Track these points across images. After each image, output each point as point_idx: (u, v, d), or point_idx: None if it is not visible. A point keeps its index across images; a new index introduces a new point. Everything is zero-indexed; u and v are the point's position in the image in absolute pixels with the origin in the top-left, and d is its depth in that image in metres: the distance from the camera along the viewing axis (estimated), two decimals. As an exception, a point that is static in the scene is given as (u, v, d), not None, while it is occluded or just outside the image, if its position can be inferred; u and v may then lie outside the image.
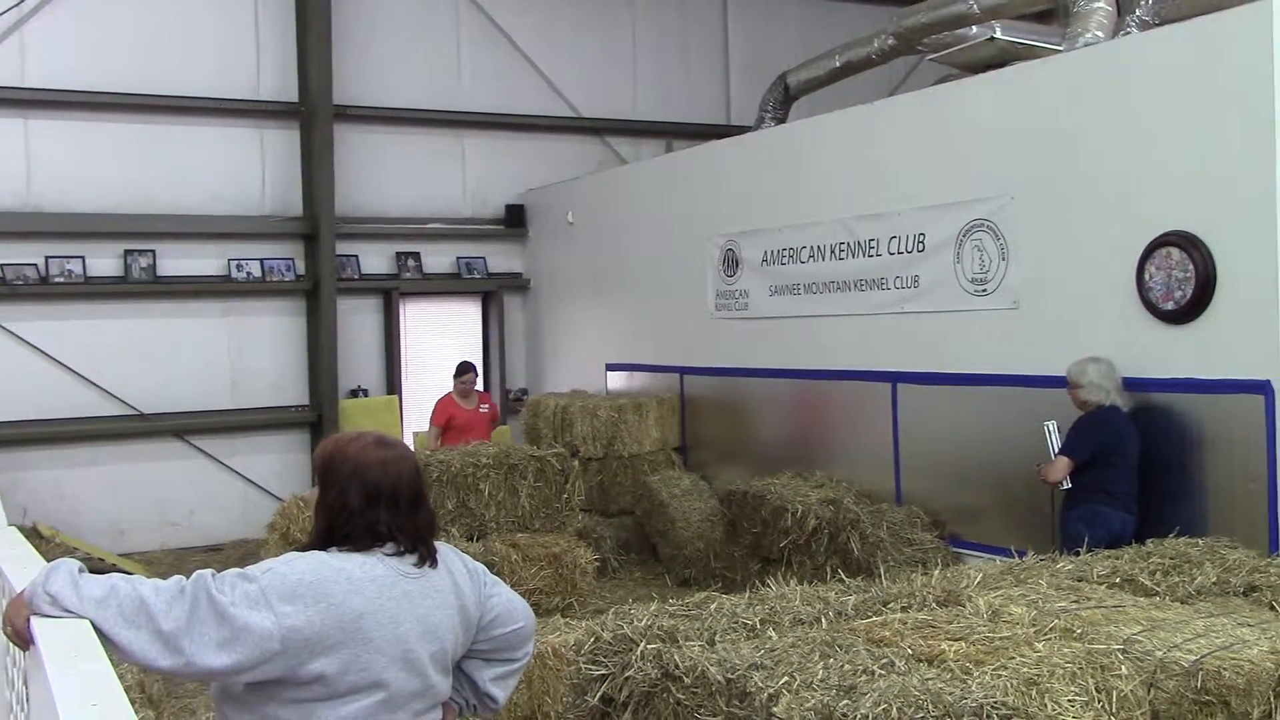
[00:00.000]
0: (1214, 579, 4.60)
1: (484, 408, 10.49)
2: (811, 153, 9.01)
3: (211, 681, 2.63)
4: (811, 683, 3.43)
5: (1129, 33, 7.81)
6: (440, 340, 13.28)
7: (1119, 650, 3.70)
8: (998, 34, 8.15)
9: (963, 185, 7.62)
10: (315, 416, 12.17)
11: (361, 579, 2.63)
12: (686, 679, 3.74)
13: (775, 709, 3.34)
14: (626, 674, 3.99)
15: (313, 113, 11.89)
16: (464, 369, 10.41)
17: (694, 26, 14.16)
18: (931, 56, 9.18)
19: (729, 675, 3.60)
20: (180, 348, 11.66)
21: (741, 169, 9.85)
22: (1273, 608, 4.23)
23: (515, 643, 2.99)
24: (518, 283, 13.40)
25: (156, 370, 11.53)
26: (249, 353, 12.04)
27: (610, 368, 11.70)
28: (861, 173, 8.52)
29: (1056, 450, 6.46)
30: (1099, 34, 7.72)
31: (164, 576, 2.54)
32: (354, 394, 12.48)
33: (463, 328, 13.41)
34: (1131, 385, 6.47)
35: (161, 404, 11.58)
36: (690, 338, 10.48)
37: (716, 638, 4.02)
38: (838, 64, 11.25)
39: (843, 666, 3.54)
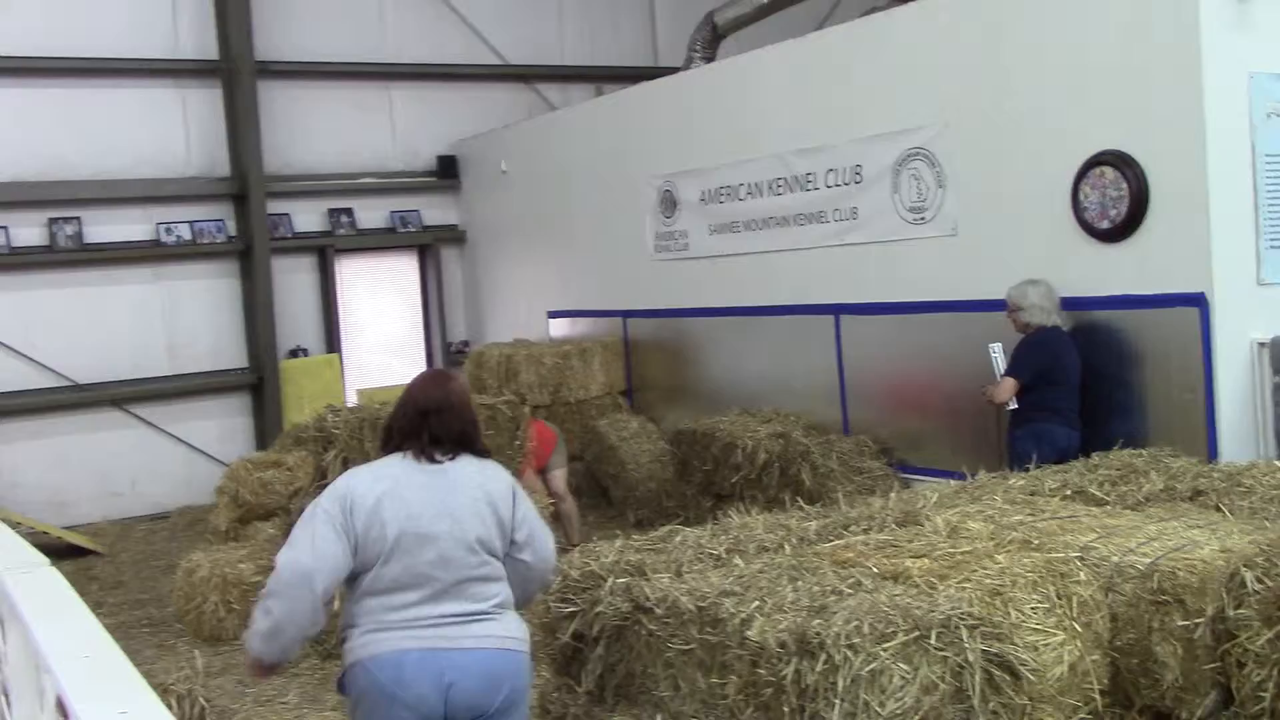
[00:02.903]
0: (1161, 486, 4.74)
1: None
2: (745, 89, 9.01)
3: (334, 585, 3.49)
4: (782, 605, 3.50)
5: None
6: (378, 296, 13.17)
7: (1076, 558, 3.81)
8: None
9: (898, 115, 7.66)
10: (255, 379, 12.04)
11: (384, 475, 3.59)
12: (658, 610, 3.80)
13: (749, 633, 3.40)
14: (597, 609, 4.04)
15: (235, 69, 11.65)
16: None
17: (618, -34, 14.04)
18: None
19: (700, 604, 3.65)
20: (113, 315, 11.46)
21: (675, 109, 9.83)
22: (1219, 509, 4.36)
23: (533, 579, 3.76)
24: (454, 235, 13.30)
25: (90, 340, 11.32)
26: (184, 317, 11.86)
27: (552, 315, 11.68)
28: (796, 107, 8.54)
29: (1001, 372, 6.57)
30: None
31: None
32: (294, 354, 12.35)
33: (400, 282, 13.29)
34: (1070, 305, 6.59)
35: (97, 374, 11.39)
36: (631, 281, 10.49)
37: (684, 569, 4.08)
38: (765, 0, 11.21)
39: (812, 588, 3.61)
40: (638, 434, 9.85)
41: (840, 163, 8.15)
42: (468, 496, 3.57)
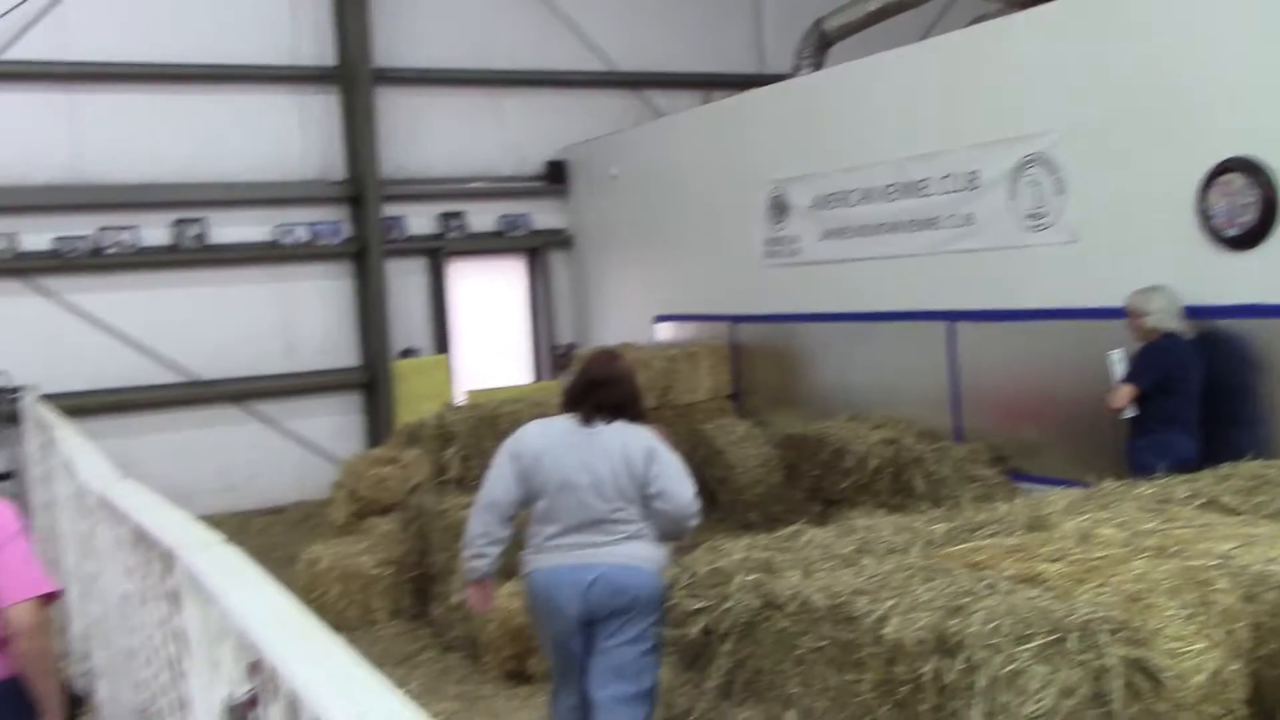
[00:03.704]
0: (1298, 497, 4.65)
1: None
2: (860, 95, 9.01)
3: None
4: (917, 604, 3.51)
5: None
6: (487, 299, 13.37)
7: (1216, 566, 3.76)
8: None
9: (1015, 121, 7.61)
10: (368, 378, 12.31)
11: (548, 432, 4.69)
12: (789, 607, 3.83)
13: (885, 630, 3.42)
14: (725, 605, 4.08)
15: (352, 76, 11.95)
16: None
17: (726, -27, 14.10)
18: (980, -7, 9.13)
19: (833, 601, 3.68)
20: (233, 314, 11.81)
21: (788, 115, 9.85)
22: (1360, 522, 4.27)
23: (672, 525, 4.64)
24: (561, 239, 13.46)
25: (211, 337, 11.69)
26: (300, 317, 12.18)
27: (658, 319, 11.76)
28: (911, 113, 8.51)
29: (1120, 379, 6.49)
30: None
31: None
32: (405, 354, 12.60)
33: (509, 285, 13.49)
34: (1195, 313, 6.49)
35: (217, 370, 11.75)
36: (739, 286, 10.53)
37: (812, 567, 4.11)
38: (874, 7, 11.19)
39: (946, 589, 3.61)
40: (745, 438, 9.85)
41: (955, 168, 8.10)
42: (608, 456, 4.58)
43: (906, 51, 8.70)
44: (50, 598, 3.54)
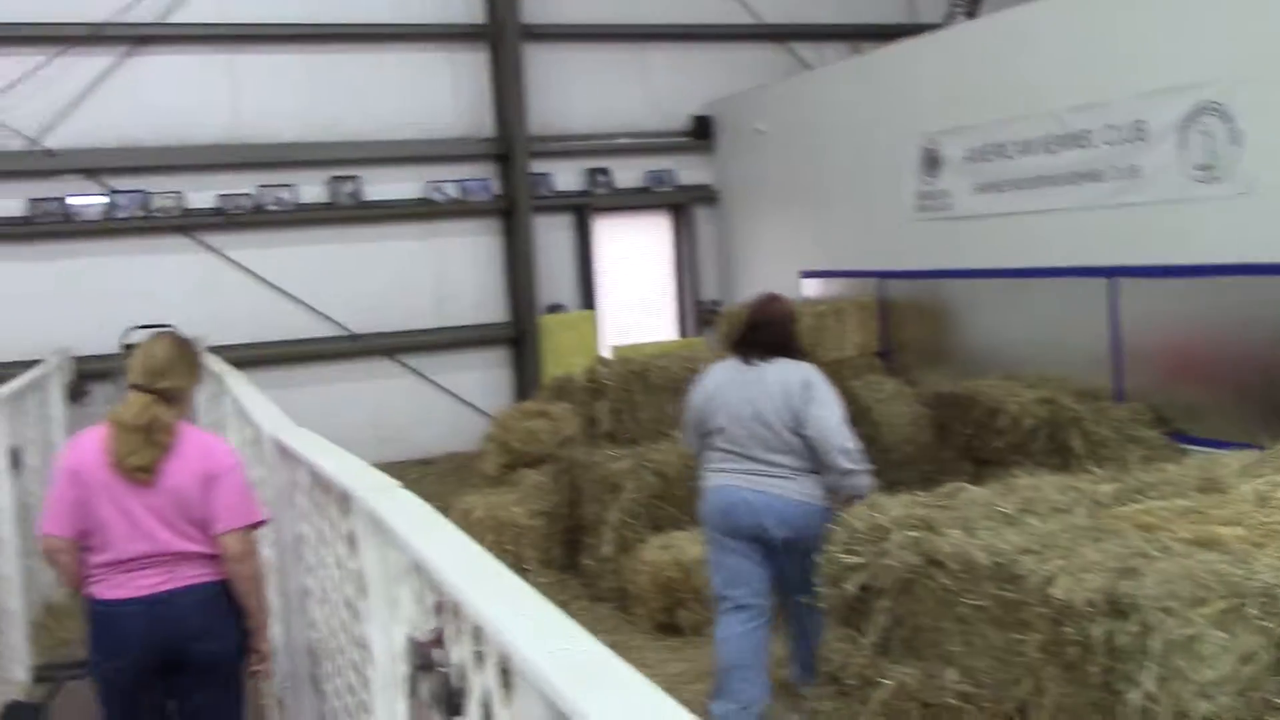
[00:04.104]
0: None
1: None
2: (1018, 44, 8.73)
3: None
4: (1086, 565, 3.42)
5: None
6: (632, 254, 13.42)
7: None
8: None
9: (1186, 68, 7.28)
10: (516, 333, 12.49)
11: (720, 372, 5.17)
12: (951, 564, 3.78)
13: (1053, 590, 3.34)
14: (884, 561, 4.04)
15: (500, 33, 12.06)
16: None
17: (876, -78, 13.78)
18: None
19: (997, 559, 3.61)
20: (386, 270, 12.09)
21: (941, 66, 9.61)
22: None
23: (820, 453, 4.93)
24: (707, 194, 13.41)
25: (365, 292, 11.99)
26: (450, 272, 12.41)
27: (805, 275, 11.64)
28: (1073, 62, 8.22)
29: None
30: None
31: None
32: (552, 310, 12.74)
33: (654, 241, 13.51)
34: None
35: (371, 324, 12.06)
36: (889, 241, 10.35)
37: (973, 526, 4.04)
38: (1035, -48, 10.80)
39: (1116, 550, 3.51)
40: (894, 396, 9.72)
41: (1120, 119, 7.81)
42: (768, 391, 4.99)
43: (1070, -3, 8.39)
44: (258, 524, 4.03)
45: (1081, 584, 3.29)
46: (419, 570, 2.32)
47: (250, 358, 11.39)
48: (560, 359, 12.12)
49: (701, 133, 13.24)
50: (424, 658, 2.22)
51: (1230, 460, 4.71)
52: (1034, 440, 7.87)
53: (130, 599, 3.87)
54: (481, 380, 12.61)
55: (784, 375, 4.99)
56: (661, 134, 13.19)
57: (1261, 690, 3.17)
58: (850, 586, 4.18)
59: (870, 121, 10.52)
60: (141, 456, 3.88)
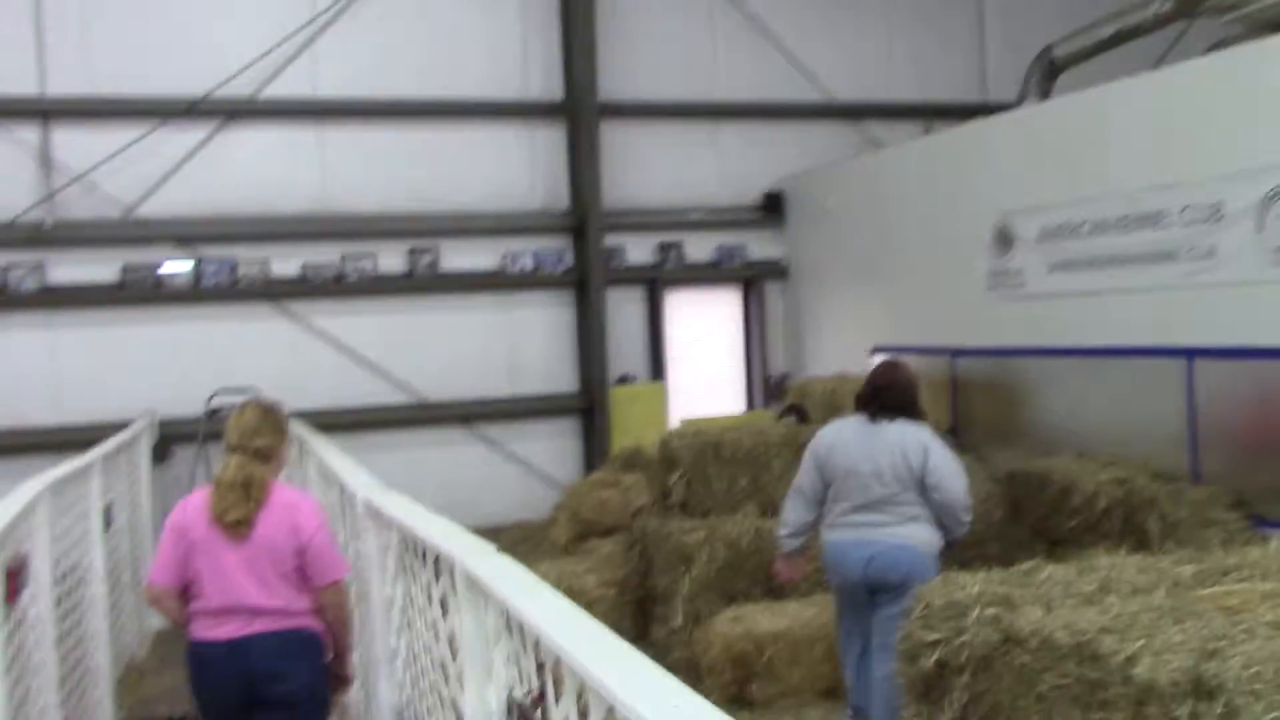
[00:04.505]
0: None
1: None
2: (1092, 124, 8.78)
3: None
4: (1169, 645, 3.43)
5: None
6: (702, 328, 13.54)
7: None
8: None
9: (1265, 151, 7.29)
10: (586, 403, 12.62)
11: (840, 429, 5.80)
12: (1030, 642, 3.79)
13: (1135, 671, 3.35)
14: (962, 638, 4.06)
15: (579, 110, 12.34)
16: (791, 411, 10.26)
17: (948, 3, 13.96)
18: (1228, 18, 8.79)
19: (1078, 638, 3.62)
20: (460, 338, 12.32)
21: (1014, 145, 9.69)
22: None
23: (944, 512, 5.53)
24: (777, 269, 13.53)
25: (439, 360, 12.21)
26: (523, 342, 12.60)
27: (875, 350, 11.67)
28: (1148, 142, 8.26)
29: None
30: None
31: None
32: (622, 381, 12.86)
33: (724, 315, 13.63)
34: None
35: (444, 392, 12.26)
36: (960, 318, 10.37)
37: (1053, 603, 4.05)
38: (1108, 34, 10.90)
39: (1199, 631, 3.52)
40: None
41: (1196, 199, 7.82)
42: (888, 448, 5.53)
43: (1145, 79, 8.45)
44: (342, 578, 4.51)
45: (1165, 664, 3.30)
46: (521, 630, 2.40)
47: (327, 423, 11.60)
48: (629, 430, 12.22)
49: (773, 208, 13.39)
50: (524, 716, 2.30)
51: (1313, 544, 4.68)
52: (1108, 521, 7.80)
53: (215, 641, 4.34)
54: (551, 450, 12.73)
55: (904, 435, 5.57)
56: (733, 209, 13.36)
57: (1348, 776, 3.14)
58: (927, 662, 4.20)
59: (942, 199, 10.60)
60: (238, 511, 4.32)
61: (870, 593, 5.54)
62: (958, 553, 9.11)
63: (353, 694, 4.97)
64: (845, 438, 5.69)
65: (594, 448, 12.55)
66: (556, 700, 2.16)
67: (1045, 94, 11.50)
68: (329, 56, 11.87)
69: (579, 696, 2.05)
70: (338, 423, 11.65)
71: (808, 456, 5.81)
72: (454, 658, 3.14)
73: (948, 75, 13.87)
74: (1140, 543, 7.37)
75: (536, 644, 2.23)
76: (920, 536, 5.52)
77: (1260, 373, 7.42)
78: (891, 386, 5.73)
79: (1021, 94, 11.88)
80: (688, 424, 12.33)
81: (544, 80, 12.56)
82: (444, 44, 12.20)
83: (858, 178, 12.19)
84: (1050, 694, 3.71)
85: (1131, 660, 3.39)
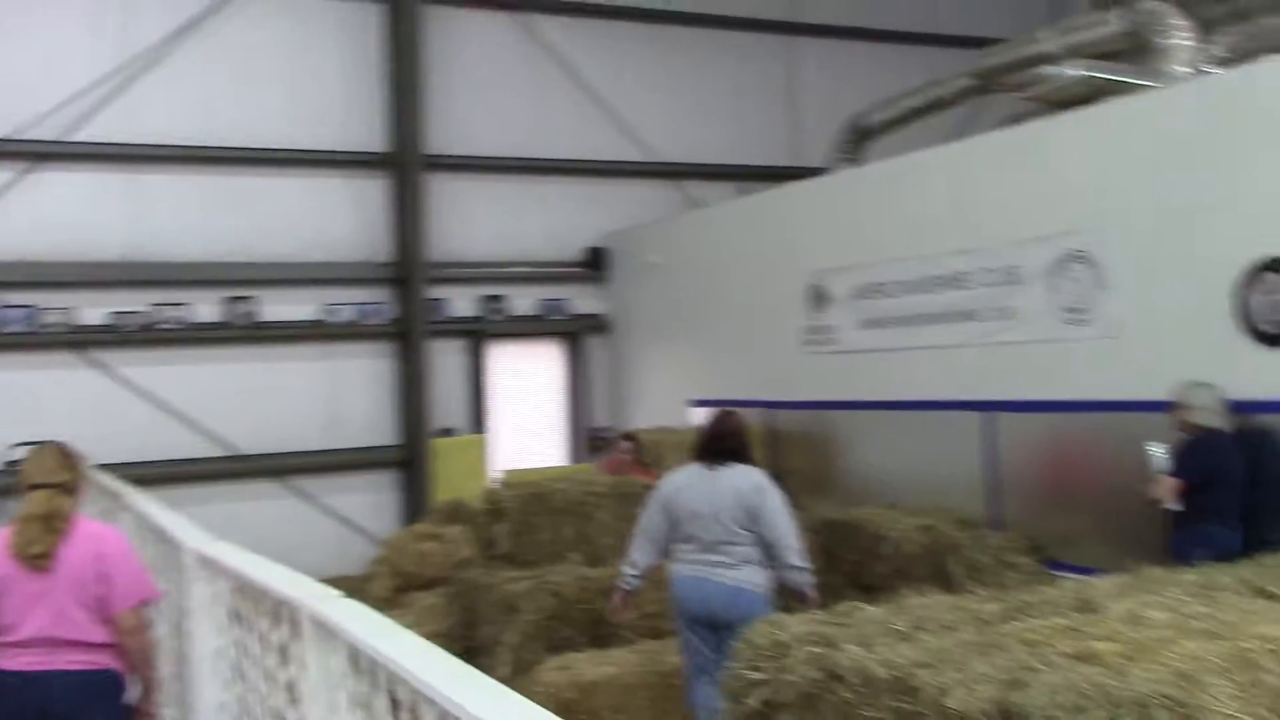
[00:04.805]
0: (1342, 587, 4.77)
1: None
2: (903, 190, 9.28)
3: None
4: (978, 678, 3.65)
5: (1205, 69, 8.08)
6: (524, 381, 13.61)
7: (1265, 647, 3.89)
8: (1092, 73, 8.41)
9: (1058, 218, 7.85)
10: (406, 456, 12.51)
11: (684, 474, 6.20)
12: (851, 678, 3.98)
13: (948, 702, 3.56)
14: (786, 677, 4.22)
15: (404, 162, 12.35)
16: (624, 439, 10.31)
17: (764, 69, 14.53)
18: (1023, 95, 9.44)
19: (896, 673, 3.83)
20: (278, 390, 12.08)
21: (830, 207, 10.14)
22: (1404, 611, 4.39)
23: (771, 549, 5.96)
24: (599, 323, 13.73)
25: (256, 412, 11.94)
26: (343, 394, 12.43)
27: (694, 403, 11.95)
28: (952, 209, 8.77)
29: (1160, 471, 6.64)
30: (1183, 69, 7.95)
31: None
32: (443, 433, 12.81)
33: (546, 368, 13.74)
34: (1234, 407, 6.65)
35: (261, 445, 11.97)
36: (777, 373, 10.73)
37: (871, 642, 4.25)
38: (914, 105, 11.57)
39: (1004, 663, 3.76)
40: (781, 523, 9.98)
41: (996, 263, 8.34)
42: (725, 491, 5.99)
43: (948, 149, 8.99)
44: (150, 600, 4.62)
45: (974, 694, 3.52)
46: (372, 671, 2.43)
47: (136, 475, 11.15)
48: (450, 483, 12.17)
49: (595, 264, 13.62)
50: (377, 755, 2.33)
51: (1102, 584, 5.03)
52: (916, 566, 8.17)
53: (13, 671, 4.36)
54: (369, 503, 12.57)
55: (739, 478, 6.05)
56: (557, 263, 13.53)
57: (1137, 795, 3.41)
58: (753, 701, 4.35)
59: (760, 258, 10.98)
60: (41, 544, 4.37)
61: (712, 628, 5.89)
62: (775, 599, 9.45)
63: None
64: (689, 482, 6.11)
65: (414, 501, 12.45)
66: (412, 737, 2.20)
67: (854, 160, 12.09)
68: (146, 101, 11.58)
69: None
70: (147, 476, 11.20)
71: (654, 501, 6.20)
72: (293, 705, 3.12)
73: (763, 139, 14.39)
74: (946, 586, 7.71)
75: (391, 682, 2.27)
76: (754, 579, 5.93)
77: (1053, 425, 7.93)
78: (726, 435, 6.22)
79: (832, 159, 12.45)
80: (511, 475, 12.39)
81: (369, 132, 12.52)
82: (266, 92, 12.06)
83: (679, 235, 12.52)
84: (869, 728, 3.89)
85: (944, 692, 3.59)
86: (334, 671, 2.73)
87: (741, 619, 5.34)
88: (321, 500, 12.34)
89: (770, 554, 5.97)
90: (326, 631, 2.71)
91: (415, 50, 12.43)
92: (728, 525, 5.93)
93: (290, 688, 3.12)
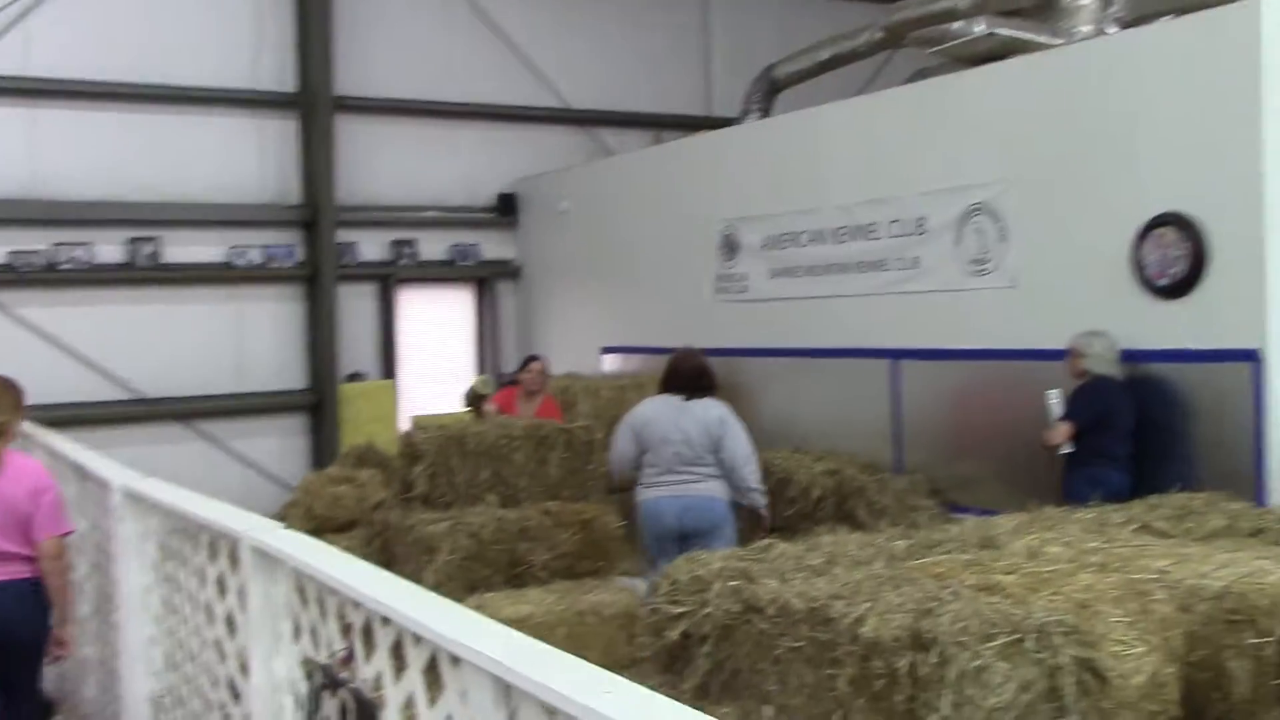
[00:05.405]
0: (1223, 523, 5.08)
1: None
2: (812, 142, 9.43)
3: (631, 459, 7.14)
4: (891, 607, 3.84)
5: (1109, 29, 8.34)
6: (434, 326, 13.59)
7: (1154, 579, 4.16)
8: (999, 30, 8.61)
9: (963, 172, 8.07)
10: (315, 400, 12.44)
11: (653, 405, 7.11)
12: (769, 610, 4.14)
13: (863, 630, 3.74)
14: (706, 610, 4.38)
15: (313, 103, 12.16)
16: (528, 361, 9.86)
17: (677, 19, 14.54)
18: (931, 50, 9.63)
19: (812, 604, 4.00)
20: (184, 333, 11.90)
21: (740, 157, 10.26)
22: (1279, 544, 4.70)
23: (731, 473, 6.93)
24: (509, 269, 13.73)
25: (161, 355, 11.76)
26: (250, 338, 12.29)
27: (605, 350, 12.06)
28: (862, 161, 8.95)
29: (1058, 417, 6.93)
30: (1088, 28, 8.20)
31: None
32: (352, 378, 12.75)
33: (456, 313, 13.72)
34: (1127, 356, 6.96)
35: (166, 388, 11.81)
36: (688, 320, 10.86)
37: (787, 576, 4.43)
38: (825, 57, 11.70)
39: (915, 595, 3.95)
40: (691, 467, 10.16)
41: (904, 214, 8.55)
42: (693, 421, 6.89)
43: (858, 101, 9.17)
44: (68, 533, 5.16)
45: (888, 623, 3.70)
46: (320, 598, 2.51)
47: (38, 419, 10.96)
48: (358, 427, 12.15)
49: (507, 209, 13.60)
50: (330, 678, 2.42)
51: (1003, 522, 5.28)
52: (821, 509, 8.42)
53: None
54: (277, 447, 12.48)
55: (705, 410, 6.95)
56: (468, 209, 13.48)
57: (1037, 716, 3.64)
58: (673, 634, 4.50)
59: (672, 206, 11.08)
60: None
61: (681, 539, 6.59)
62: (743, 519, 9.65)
63: (90, 692, 4.85)
64: (659, 413, 6.98)
65: (322, 445, 12.39)
66: (368, 658, 2.29)
67: (766, 111, 12.21)
68: (43, 34, 11.22)
69: (395, 651, 2.18)
70: (49, 419, 10.90)
71: (625, 429, 7.08)
72: (231, 636, 3.18)
73: (676, 89, 14.43)
74: (851, 528, 7.97)
75: (344, 606, 2.35)
76: (721, 493, 6.91)
77: (956, 373, 8.19)
78: (699, 372, 7.15)
79: (744, 110, 12.56)
80: (418, 421, 12.40)
81: (278, 71, 12.30)
82: (171, 28, 11.74)
83: (591, 182, 12.56)
84: (785, 657, 4.06)
85: (859, 621, 3.77)
86: (277, 601, 2.80)
87: (713, 526, 6.75)
88: (228, 444, 12.23)
89: (731, 477, 6.87)
90: (270, 561, 2.77)
91: (325, -11, 12.23)
92: (697, 450, 6.80)
93: (229, 619, 3.18)
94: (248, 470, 12.29)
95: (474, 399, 10.00)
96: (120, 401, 11.68)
